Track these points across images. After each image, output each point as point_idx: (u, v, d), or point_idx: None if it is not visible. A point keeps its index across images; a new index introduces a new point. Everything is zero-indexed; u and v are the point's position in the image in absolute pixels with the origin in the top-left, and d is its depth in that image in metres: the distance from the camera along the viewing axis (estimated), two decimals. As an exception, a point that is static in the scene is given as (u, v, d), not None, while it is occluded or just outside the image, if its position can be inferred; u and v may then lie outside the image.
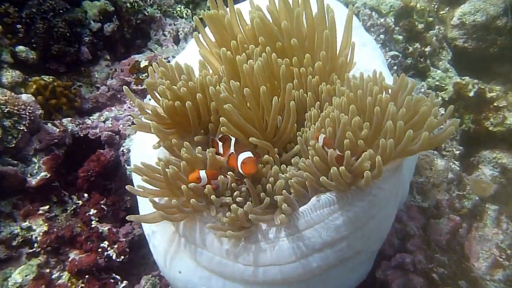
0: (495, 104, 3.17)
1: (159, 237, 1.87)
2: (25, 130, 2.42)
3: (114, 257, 2.45)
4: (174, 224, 1.76)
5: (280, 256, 1.59)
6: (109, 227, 2.52)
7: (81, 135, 2.75)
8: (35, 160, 2.49)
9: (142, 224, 2.04)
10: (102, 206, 2.58)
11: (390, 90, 1.67)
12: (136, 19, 3.31)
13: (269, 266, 1.61)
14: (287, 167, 1.71)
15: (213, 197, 1.58)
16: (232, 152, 1.64)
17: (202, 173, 1.60)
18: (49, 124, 2.59)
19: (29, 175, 2.45)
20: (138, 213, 2.04)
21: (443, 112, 2.95)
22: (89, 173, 2.61)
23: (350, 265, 1.73)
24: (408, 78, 1.70)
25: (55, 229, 2.42)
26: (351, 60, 1.82)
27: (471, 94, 3.20)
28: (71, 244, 2.45)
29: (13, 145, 2.39)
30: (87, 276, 2.38)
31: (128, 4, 3.25)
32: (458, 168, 2.91)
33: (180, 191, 1.60)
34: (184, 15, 3.69)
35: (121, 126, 2.82)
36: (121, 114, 2.90)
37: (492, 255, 2.42)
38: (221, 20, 1.87)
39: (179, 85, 1.71)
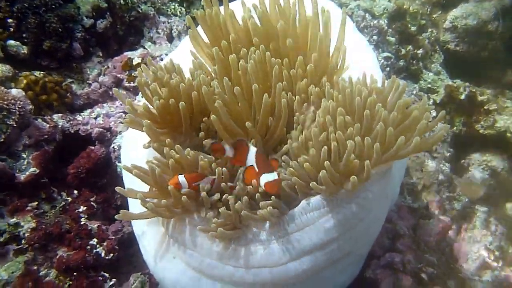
0: (485, 107, 3.20)
1: (149, 238, 1.86)
2: (15, 125, 2.39)
3: (103, 254, 2.43)
4: (164, 225, 1.76)
5: (270, 259, 1.59)
6: (98, 224, 2.49)
7: (72, 132, 2.72)
8: (24, 155, 2.46)
9: (132, 223, 2.02)
10: (92, 203, 2.56)
11: (380, 92, 1.67)
12: (129, 16, 3.29)
13: (259, 268, 1.61)
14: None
15: (204, 195, 1.58)
16: (252, 165, 1.61)
17: (181, 178, 1.58)
18: (39, 120, 2.57)
19: (17, 171, 2.42)
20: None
21: (434, 114, 2.97)
22: (79, 170, 2.58)
23: (340, 266, 1.74)
24: (400, 80, 1.70)
25: (43, 226, 2.38)
26: (343, 62, 1.83)
27: (462, 97, 3.22)
28: (59, 241, 2.41)
29: (1, 140, 2.36)
30: (75, 273, 2.34)
31: (121, 1, 3.22)
32: (448, 170, 2.93)
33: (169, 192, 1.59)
34: (178, 13, 3.67)
35: (112, 123, 2.80)
36: (112, 111, 2.87)
37: (480, 256, 2.44)
38: (214, 20, 1.86)
39: (173, 83, 1.70)
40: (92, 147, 2.68)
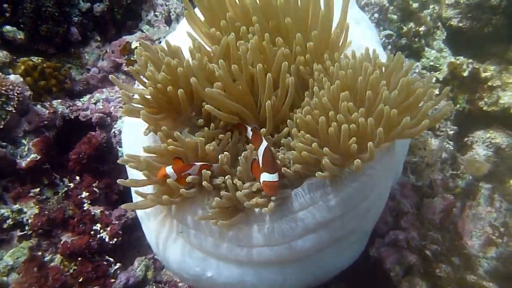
0: (489, 83, 3.15)
1: (152, 220, 1.86)
2: (14, 111, 2.38)
3: (107, 239, 2.43)
4: (167, 207, 1.75)
5: (274, 237, 1.59)
6: (101, 209, 2.50)
7: (72, 117, 2.71)
8: (24, 142, 2.45)
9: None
10: (94, 188, 2.56)
11: (384, 68, 1.65)
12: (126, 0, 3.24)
13: (263, 247, 1.62)
14: (279, 148, 1.70)
15: (205, 183, 1.57)
16: (257, 159, 1.60)
17: (169, 170, 1.56)
18: (39, 106, 2.55)
19: (18, 157, 2.41)
20: (131, 197, 2.02)
21: (437, 92, 2.93)
22: (81, 156, 2.57)
23: (343, 244, 1.74)
24: (405, 58, 1.68)
25: (46, 212, 2.39)
26: (345, 39, 1.79)
27: (466, 74, 3.17)
28: (63, 226, 2.42)
29: (1, 127, 2.35)
30: (79, 258, 2.37)
31: (118, -17, 3.17)
32: (452, 148, 2.91)
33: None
34: (176, -5, 3.62)
35: (112, 108, 2.78)
36: (112, 96, 2.85)
37: (485, 233, 2.43)
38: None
39: (172, 65, 1.66)
40: (93, 133, 2.67)
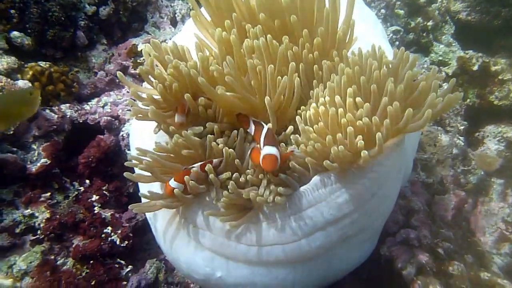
0: (499, 77, 3.12)
1: (161, 220, 1.86)
2: (23, 117, 2.39)
3: (117, 242, 2.44)
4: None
5: (283, 236, 1.58)
6: (111, 212, 2.51)
7: (80, 121, 2.72)
8: (34, 147, 2.47)
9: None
10: (104, 192, 2.57)
11: (390, 65, 1.63)
12: (132, 2, 3.25)
13: (272, 246, 1.61)
14: (286, 145, 1.69)
15: (212, 176, 1.56)
16: (256, 146, 1.59)
17: (173, 183, 1.57)
18: (47, 111, 2.57)
19: (29, 162, 2.43)
20: (141, 199, 2.02)
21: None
22: (90, 159, 2.59)
23: (353, 243, 1.72)
24: (409, 52, 1.65)
25: (57, 216, 2.41)
26: (351, 36, 1.77)
27: (475, 68, 3.14)
28: (74, 230, 2.44)
29: (11, 132, 2.37)
30: (91, 261, 2.38)
31: (123, -14, 3.18)
32: (463, 144, 2.88)
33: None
34: (181, -4, 3.62)
35: (120, 111, 2.79)
36: (119, 99, 2.86)
37: (498, 229, 2.40)
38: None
39: (181, 66, 1.66)
40: (101, 136, 2.68)
